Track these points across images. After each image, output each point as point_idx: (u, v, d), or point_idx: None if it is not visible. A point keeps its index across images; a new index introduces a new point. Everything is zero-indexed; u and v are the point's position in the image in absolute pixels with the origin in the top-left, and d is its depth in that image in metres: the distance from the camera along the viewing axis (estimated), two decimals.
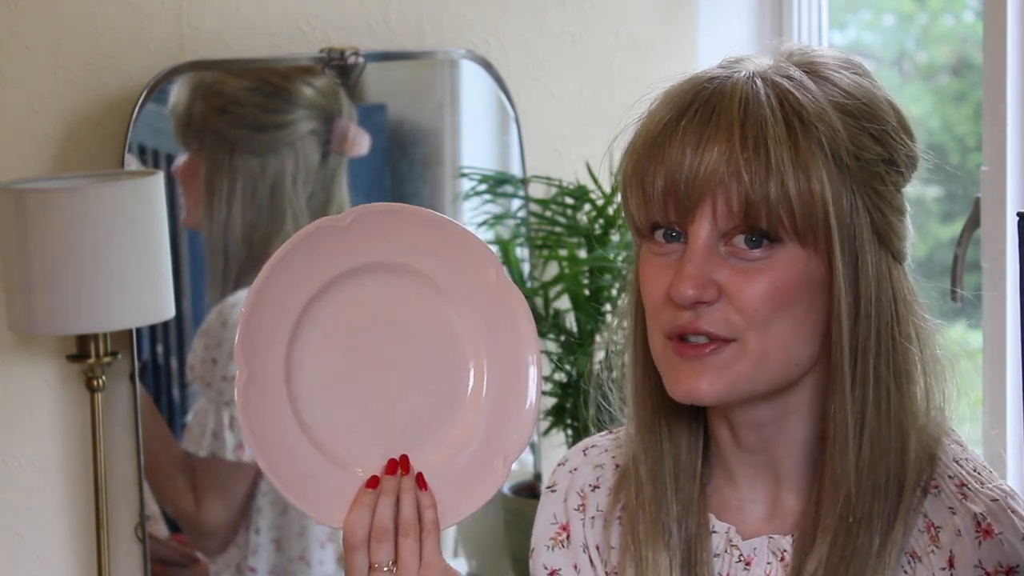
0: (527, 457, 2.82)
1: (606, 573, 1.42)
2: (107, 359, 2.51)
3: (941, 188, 2.52)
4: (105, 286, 2.37)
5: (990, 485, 1.29)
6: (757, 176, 1.22)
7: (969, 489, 1.29)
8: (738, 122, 1.23)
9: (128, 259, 2.39)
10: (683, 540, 1.34)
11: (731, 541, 1.35)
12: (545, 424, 2.72)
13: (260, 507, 2.65)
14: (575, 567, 1.44)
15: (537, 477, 2.78)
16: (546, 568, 1.45)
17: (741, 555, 1.34)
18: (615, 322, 1.42)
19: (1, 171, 2.56)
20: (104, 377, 2.52)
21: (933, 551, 1.27)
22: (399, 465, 1.36)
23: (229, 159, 2.62)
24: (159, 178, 2.46)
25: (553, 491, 1.48)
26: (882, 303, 1.27)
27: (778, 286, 1.25)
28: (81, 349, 2.51)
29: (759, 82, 1.26)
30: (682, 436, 1.36)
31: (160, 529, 2.66)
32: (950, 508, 1.28)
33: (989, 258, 2.15)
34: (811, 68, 1.28)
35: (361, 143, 2.69)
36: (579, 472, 1.46)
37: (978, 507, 1.27)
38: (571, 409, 2.63)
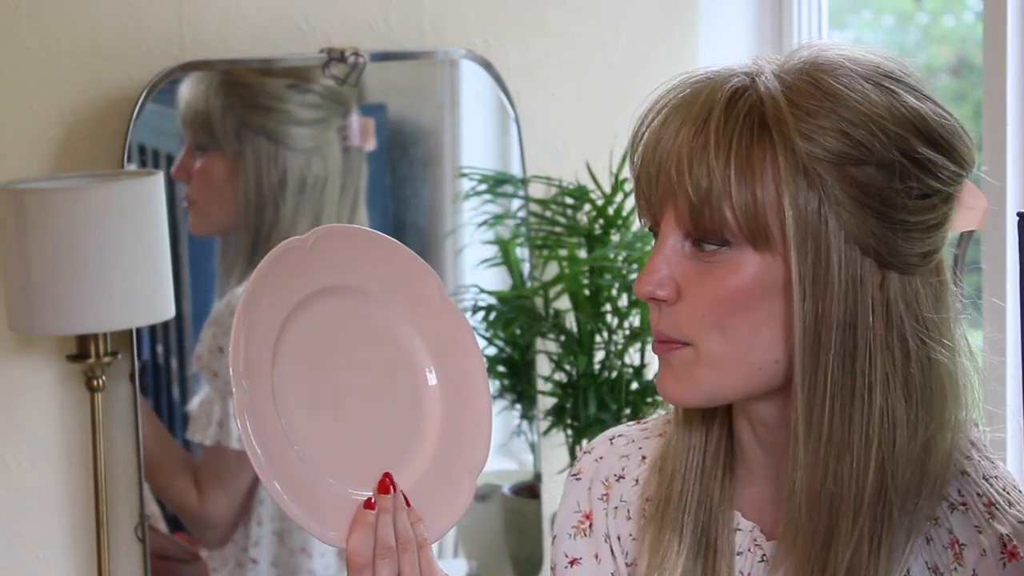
0: (527, 457, 2.82)
1: (626, 564, 1.41)
2: (107, 359, 2.51)
3: None
4: (105, 286, 2.37)
5: (1020, 507, 1.28)
6: (699, 179, 1.22)
7: (997, 509, 1.27)
8: (692, 126, 1.23)
9: (128, 259, 2.39)
10: (702, 534, 1.34)
11: (755, 540, 1.34)
12: (545, 424, 2.72)
13: (262, 499, 2.65)
14: (596, 556, 1.43)
15: (537, 477, 2.78)
16: (567, 556, 1.45)
17: (764, 555, 1.34)
18: None
19: (1, 171, 2.56)
20: (104, 377, 2.52)
21: (956, 568, 1.26)
22: (387, 483, 1.37)
23: (275, 155, 2.63)
24: (159, 178, 2.46)
25: (578, 479, 1.46)
26: (859, 319, 1.24)
27: (727, 290, 1.24)
28: (81, 349, 2.51)
29: (736, 84, 1.25)
30: (711, 433, 1.36)
31: (160, 528, 2.66)
32: (976, 527, 1.27)
33: (989, 258, 2.15)
34: (806, 71, 1.25)
35: (373, 138, 2.70)
36: (604, 461, 1.45)
37: (1005, 528, 1.26)
38: (571, 409, 2.63)
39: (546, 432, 2.70)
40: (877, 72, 1.26)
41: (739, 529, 1.35)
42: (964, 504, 1.28)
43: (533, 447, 2.78)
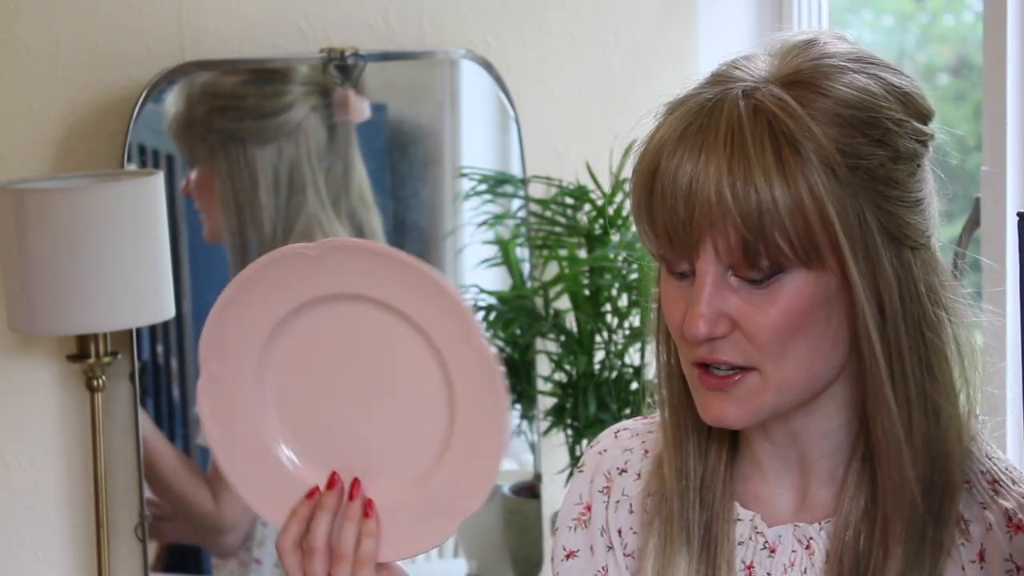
0: (527, 457, 2.82)
1: (624, 555, 1.41)
2: (107, 359, 2.51)
3: (940, 188, 2.52)
4: (105, 286, 2.38)
5: (1023, 484, 1.28)
6: (748, 212, 1.20)
7: (1001, 486, 1.28)
8: (725, 157, 1.21)
9: (128, 259, 2.39)
10: (704, 529, 1.34)
11: (756, 528, 1.34)
12: (545, 424, 2.72)
13: None
14: (591, 548, 1.43)
15: (537, 477, 2.78)
16: (565, 549, 1.45)
17: (766, 542, 1.34)
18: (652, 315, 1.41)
19: (1, 171, 2.57)
20: (104, 377, 2.52)
21: (963, 544, 1.26)
22: (350, 488, 1.34)
23: (244, 153, 2.62)
24: (159, 178, 2.46)
25: (581, 471, 1.46)
26: (906, 301, 1.26)
27: (789, 315, 1.24)
28: (81, 349, 2.51)
29: (747, 105, 1.23)
30: (710, 439, 1.36)
31: (161, 529, 2.66)
32: (981, 503, 1.27)
33: (989, 258, 2.15)
34: (803, 79, 1.25)
35: (362, 107, 2.69)
36: (608, 454, 1.45)
37: (1010, 503, 1.26)
38: (571, 409, 2.63)
39: (546, 432, 2.70)
40: (858, 61, 1.27)
41: (739, 519, 1.35)
42: (968, 482, 1.28)
43: (533, 447, 2.78)
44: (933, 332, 1.27)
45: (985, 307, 1.35)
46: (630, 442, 1.44)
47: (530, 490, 2.79)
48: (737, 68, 1.27)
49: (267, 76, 2.64)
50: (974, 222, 2.19)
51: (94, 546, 2.56)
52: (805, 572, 1.32)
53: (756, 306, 1.23)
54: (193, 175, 2.63)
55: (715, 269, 1.23)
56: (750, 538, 1.34)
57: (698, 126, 1.23)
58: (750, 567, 1.34)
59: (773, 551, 1.33)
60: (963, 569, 1.26)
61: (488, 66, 2.72)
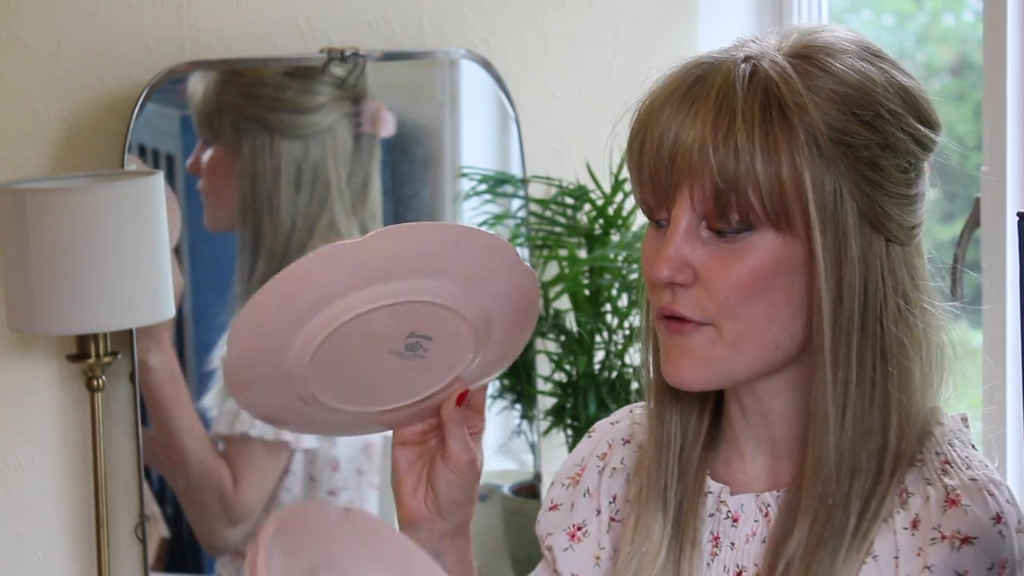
0: (527, 457, 2.82)
1: (612, 519, 1.44)
2: (107, 359, 2.51)
3: (941, 188, 2.52)
4: (105, 286, 2.38)
5: (976, 471, 1.29)
6: (726, 164, 1.24)
7: (952, 467, 1.29)
8: (713, 110, 1.25)
9: (128, 259, 2.39)
10: (677, 503, 1.37)
11: (720, 499, 1.37)
12: (545, 424, 2.72)
13: (282, 502, 2.65)
14: (571, 505, 1.47)
15: (537, 477, 2.78)
16: (551, 501, 1.49)
17: (729, 511, 1.36)
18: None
19: (1, 171, 2.57)
20: (104, 377, 2.52)
21: (899, 511, 1.28)
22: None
23: (271, 143, 2.62)
24: (159, 178, 2.46)
25: (590, 437, 1.50)
26: (870, 287, 1.28)
27: (751, 274, 1.26)
28: (81, 349, 2.51)
29: (746, 68, 1.27)
30: (692, 407, 1.38)
31: (160, 529, 2.66)
32: (927, 479, 1.29)
33: (989, 258, 2.15)
34: (808, 53, 1.28)
35: (388, 122, 2.70)
36: (618, 426, 1.49)
37: (953, 482, 1.28)
38: (571, 409, 2.63)
39: (546, 432, 2.70)
40: (866, 51, 1.30)
41: (709, 492, 1.38)
42: (921, 460, 1.30)
43: (533, 447, 2.78)
44: (895, 324, 1.29)
45: (961, 313, 1.36)
46: (643, 418, 1.47)
47: (530, 490, 2.79)
48: (749, 40, 1.31)
49: (307, 73, 2.64)
50: (974, 222, 2.19)
51: (94, 546, 2.56)
52: (764, 541, 1.34)
53: (720, 260, 1.27)
54: (207, 154, 2.63)
55: (688, 217, 1.27)
56: (717, 509, 1.37)
57: (694, 79, 1.28)
58: (716, 538, 1.37)
59: (736, 520, 1.36)
60: (895, 534, 1.27)
61: (488, 66, 2.72)
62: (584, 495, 1.46)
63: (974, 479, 1.28)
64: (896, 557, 1.27)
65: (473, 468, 1.41)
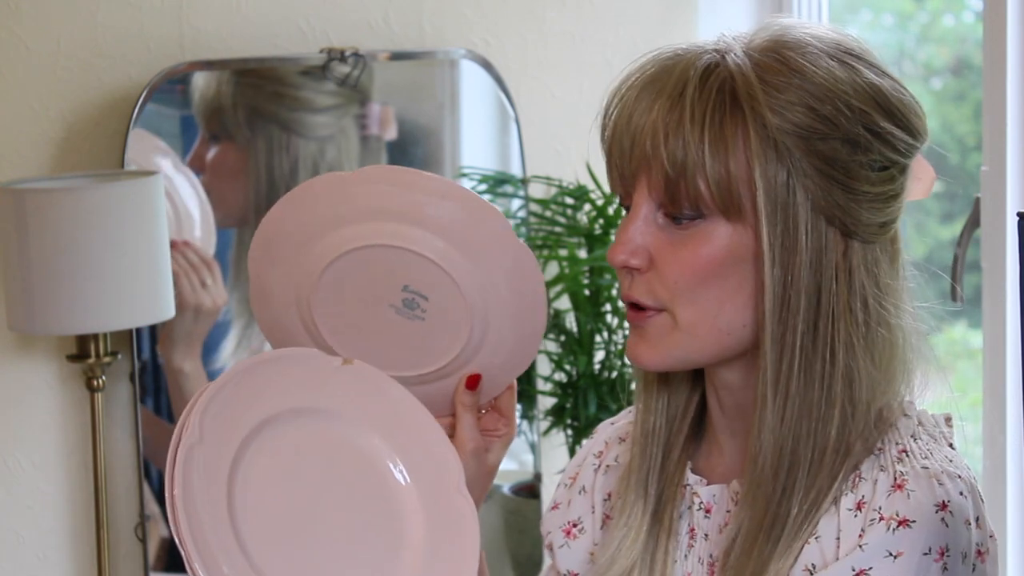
0: (527, 457, 2.82)
1: (605, 516, 1.46)
2: (107, 359, 2.51)
3: (941, 187, 2.53)
4: (105, 286, 2.38)
5: (932, 461, 1.30)
6: (675, 153, 1.27)
7: (908, 456, 1.30)
8: (668, 99, 1.28)
9: (128, 259, 2.39)
10: (657, 494, 1.39)
11: (694, 490, 1.39)
12: (545, 424, 2.72)
13: None
14: (568, 503, 1.49)
15: (537, 477, 2.78)
16: (554, 501, 1.52)
17: (702, 503, 1.38)
18: None
19: (1, 171, 2.57)
20: (104, 377, 2.52)
21: (847, 494, 1.29)
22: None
23: (288, 141, 2.63)
24: (159, 178, 2.46)
25: (591, 437, 1.53)
26: (823, 282, 1.29)
27: (701, 259, 1.29)
28: (81, 349, 2.51)
29: (708, 60, 1.29)
30: (679, 398, 1.40)
31: (160, 529, 2.66)
32: (881, 467, 1.30)
33: (989, 258, 2.15)
34: (774, 48, 1.30)
35: (393, 125, 2.70)
36: (616, 425, 1.51)
37: (904, 468, 1.29)
38: (571, 409, 2.63)
39: (546, 432, 2.70)
40: (839, 49, 1.31)
41: (687, 484, 1.39)
42: (880, 449, 1.31)
43: (533, 447, 2.79)
44: (846, 322, 1.30)
45: (930, 314, 1.37)
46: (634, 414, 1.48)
47: (530, 490, 2.79)
48: (728, 35, 1.34)
49: (315, 73, 2.64)
50: (974, 222, 2.19)
51: (94, 546, 2.56)
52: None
53: (673, 246, 1.29)
54: (213, 152, 2.63)
55: (646, 204, 1.30)
56: (693, 501, 1.38)
57: (658, 68, 1.31)
58: (693, 530, 1.38)
59: (709, 511, 1.37)
60: (839, 516, 1.29)
61: (488, 66, 2.72)
62: (580, 492, 1.48)
63: (926, 467, 1.29)
64: (837, 538, 1.28)
65: (480, 459, 1.42)
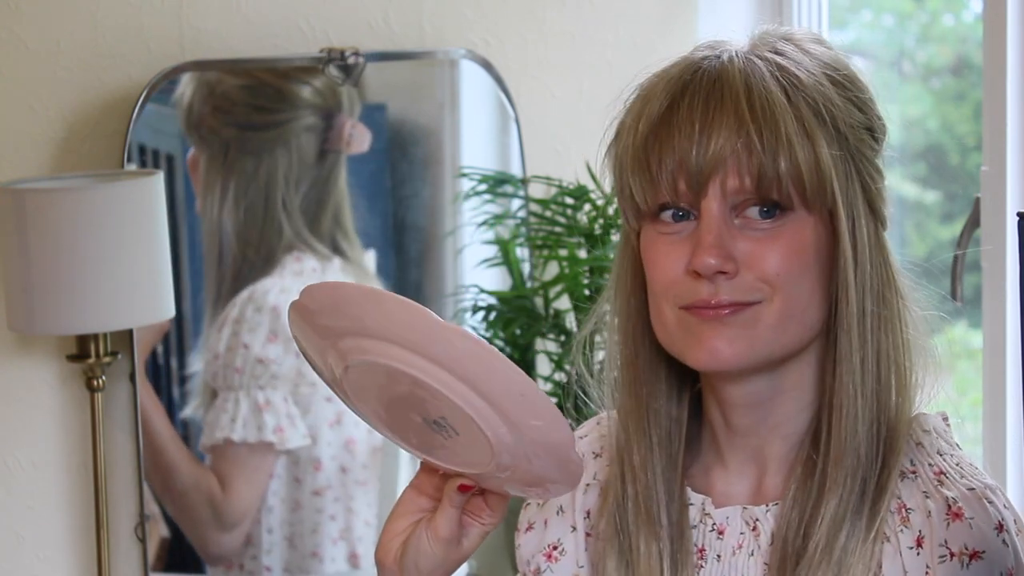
0: None
1: (587, 534, 1.43)
2: (107, 359, 2.51)
3: (941, 188, 2.52)
4: (105, 286, 2.38)
5: (970, 479, 1.30)
6: (768, 148, 1.26)
7: (947, 477, 1.30)
8: (743, 97, 1.27)
9: (128, 259, 2.39)
10: (672, 526, 1.36)
11: (704, 511, 1.37)
12: None
13: (271, 506, 2.65)
14: (544, 523, 1.46)
15: None
16: (527, 522, 1.48)
17: (714, 524, 1.36)
18: (605, 308, 1.44)
19: (1, 171, 2.57)
20: (104, 377, 2.52)
21: (902, 530, 1.29)
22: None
23: (224, 158, 2.63)
24: (159, 178, 2.46)
25: None
26: (875, 269, 1.31)
27: (795, 250, 1.28)
28: (81, 349, 2.51)
29: (752, 58, 1.30)
30: (669, 423, 1.39)
31: (160, 529, 2.66)
32: (924, 492, 1.30)
33: (989, 258, 2.15)
34: (793, 42, 1.33)
35: (361, 140, 2.69)
36: (586, 440, 1.50)
37: (952, 493, 1.29)
38: (571, 409, 2.63)
39: None
40: (829, 43, 1.36)
41: (691, 504, 1.38)
42: (914, 472, 1.31)
43: None
44: (889, 305, 1.32)
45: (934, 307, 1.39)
46: (609, 429, 1.46)
47: None
48: (719, 44, 1.34)
49: (269, 88, 2.64)
50: (974, 222, 2.19)
51: (94, 546, 2.56)
52: (752, 554, 1.34)
53: (762, 243, 1.28)
54: (189, 154, 2.64)
55: (721, 207, 1.28)
56: (701, 521, 1.37)
57: (706, 73, 1.29)
58: (702, 550, 1.37)
59: (721, 532, 1.36)
60: (900, 555, 1.28)
61: (488, 66, 2.72)
62: (557, 513, 1.45)
63: (971, 488, 1.28)
64: None
65: (451, 547, 1.30)
